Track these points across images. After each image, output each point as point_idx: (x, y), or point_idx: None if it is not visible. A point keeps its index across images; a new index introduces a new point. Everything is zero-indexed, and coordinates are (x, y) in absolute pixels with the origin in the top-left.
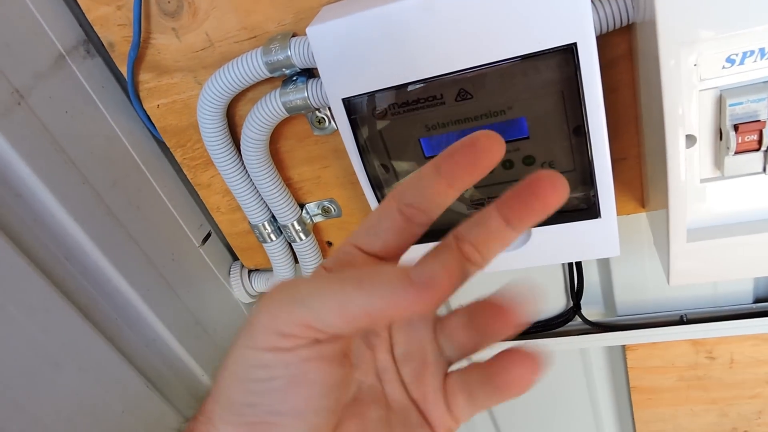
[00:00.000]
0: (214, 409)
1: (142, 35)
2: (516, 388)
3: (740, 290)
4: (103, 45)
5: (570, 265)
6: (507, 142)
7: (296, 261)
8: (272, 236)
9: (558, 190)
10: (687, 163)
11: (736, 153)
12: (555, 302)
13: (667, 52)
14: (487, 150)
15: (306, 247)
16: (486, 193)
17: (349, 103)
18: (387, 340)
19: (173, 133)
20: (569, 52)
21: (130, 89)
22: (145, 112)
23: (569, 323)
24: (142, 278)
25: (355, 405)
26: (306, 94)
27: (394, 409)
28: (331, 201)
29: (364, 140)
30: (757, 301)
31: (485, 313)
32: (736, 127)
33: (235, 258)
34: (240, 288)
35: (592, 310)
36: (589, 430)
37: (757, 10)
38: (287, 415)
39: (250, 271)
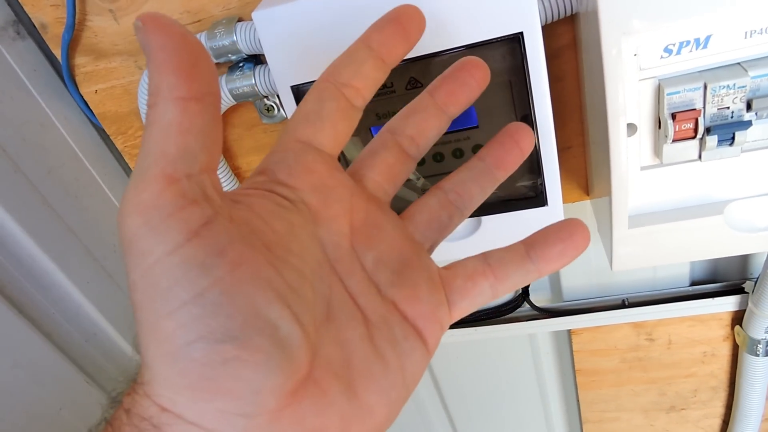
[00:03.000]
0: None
1: (77, 17)
2: (557, 262)
3: (677, 274)
4: (34, 26)
5: None
6: (457, 131)
7: None
8: None
9: (483, 68)
10: (628, 151)
11: (674, 141)
12: None
13: (609, 42)
14: (412, 18)
15: None
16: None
17: (298, 91)
18: (351, 254)
19: (113, 119)
20: (516, 41)
21: (65, 73)
22: (82, 97)
23: (518, 309)
24: (81, 270)
25: (330, 327)
26: (253, 81)
27: (374, 323)
28: None
29: None
30: (692, 284)
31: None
32: (673, 116)
33: None
34: None
35: (539, 296)
36: (536, 413)
37: (693, 1)
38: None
39: None
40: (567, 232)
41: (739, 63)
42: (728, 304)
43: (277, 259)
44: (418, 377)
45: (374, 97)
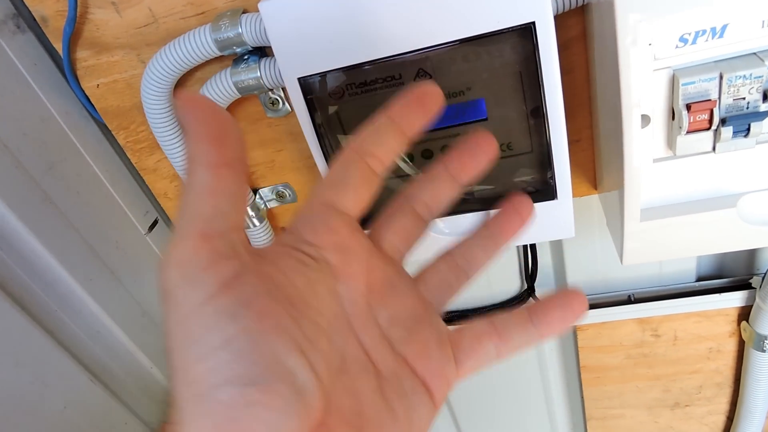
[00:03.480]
0: None
1: (78, 9)
2: (557, 326)
3: (684, 269)
4: (34, 19)
5: (524, 247)
6: (466, 123)
7: None
8: None
9: (492, 143)
10: (641, 143)
11: (688, 132)
12: (509, 284)
13: (624, 31)
14: (432, 96)
15: (260, 234)
16: None
17: (305, 83)
18: (366, 310)
19: (115, 114)
20: (527, 31)
21: (66, 67)
22: (84, 92)
23: (523, 305)
24: (83, 267)
25: (343, 378)
26: (259, 74)
27: (385, 377)
28: (286, 186)
29: (321, 122)
30: (699, 279)
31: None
32: (688, 107)
33: None
34: None
35: (545, 291)
36: (540, 409)
37: None
38: None
39: None
40: (567, 299)
41: (755, 53)
42: (735, 299)
43: (297, 311)
44: (425, 431)
45: (382, 88)
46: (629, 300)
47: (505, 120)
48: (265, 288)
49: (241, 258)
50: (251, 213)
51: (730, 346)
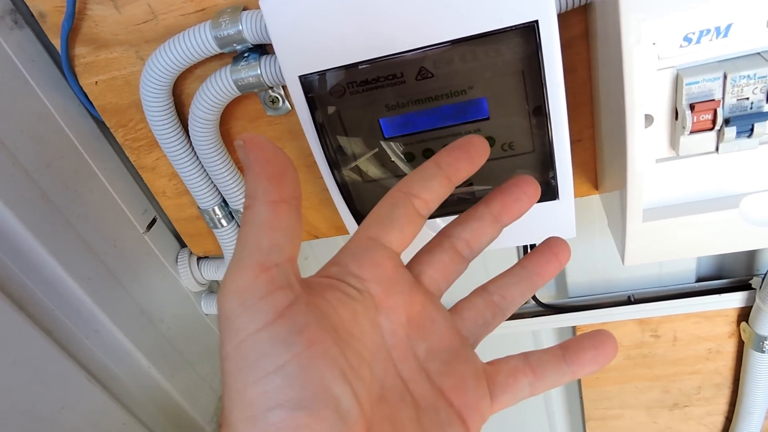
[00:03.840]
0: None
1: (77, 5)
2: (590, 367)
3: (683, 270)
4: (32, 15)
5: (525, 248)
6: (467, 122)
7: None
8: (223, 221)
9: (535, 186)
10: (644, 143)
11: (691, 132)
12: None
13: (628, 30)
14: (478, 148)
15: None
16: None
17: (306, 81)
18: (406, 342)
19: (113, 112)
20: (530, 30)
21: (64, 64)
22: (82, 89)
23: (523, 305)
24: (81, 266)
25: (383, 406)
26: (259, 72)
27: (422, 407)
28: None
29: (322, 120)
30: (698, 280)
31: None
32: (692, 107)
33: (182, 245)
34: (188, 276)
35: (544, 292)
36: (539, 410)
37: None
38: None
39: (199, 259)
40: (599, 341)
41: (759, 53)
42: (734, 300)
43: (342, 340)
44: None
45: (384, 87)
46: (629, 300)
47: (507, 119)
48: (314, 317)
49: (293, 288)
50: None
51: (730, 347)
